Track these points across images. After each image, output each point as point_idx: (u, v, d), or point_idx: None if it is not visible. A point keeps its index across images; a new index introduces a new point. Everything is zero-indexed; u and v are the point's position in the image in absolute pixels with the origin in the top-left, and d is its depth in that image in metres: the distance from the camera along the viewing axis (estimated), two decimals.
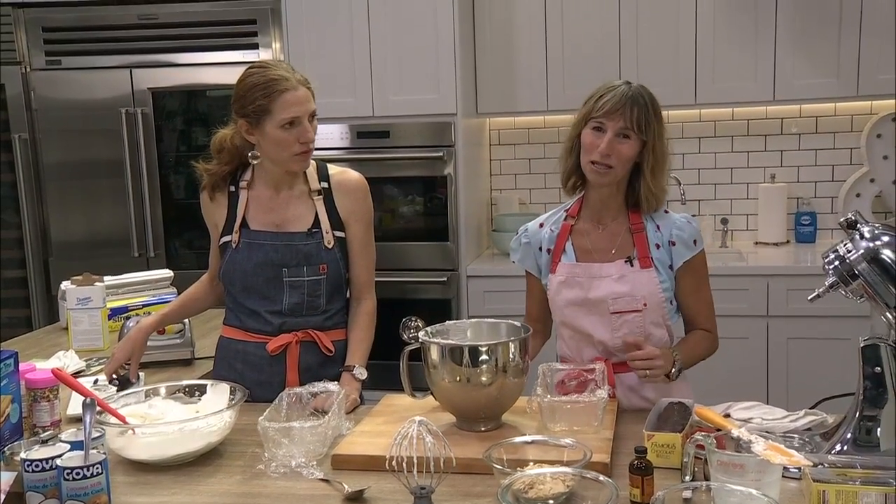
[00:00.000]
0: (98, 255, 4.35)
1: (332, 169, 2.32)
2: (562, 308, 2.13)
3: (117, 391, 2.09)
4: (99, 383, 2.25)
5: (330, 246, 2.24)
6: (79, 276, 2.84)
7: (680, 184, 4.23)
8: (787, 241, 4.24)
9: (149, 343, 2.50)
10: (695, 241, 2.10)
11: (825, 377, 3.53)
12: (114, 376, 2.22)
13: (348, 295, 2.34)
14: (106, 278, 2.97)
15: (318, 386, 1.96)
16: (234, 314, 2.30)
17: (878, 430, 1.63)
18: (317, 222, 2.24)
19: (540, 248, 2.20)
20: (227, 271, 2.26)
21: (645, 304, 2.05)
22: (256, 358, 2.25)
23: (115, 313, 2.91)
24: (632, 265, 2.08)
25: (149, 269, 3.73)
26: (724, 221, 4.31)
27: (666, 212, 2.14)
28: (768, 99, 3.97)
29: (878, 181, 4.09)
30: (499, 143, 4.56)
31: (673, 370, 2.00)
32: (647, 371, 1.96)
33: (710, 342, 2.15)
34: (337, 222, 2.26)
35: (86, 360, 2.59)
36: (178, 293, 3.06)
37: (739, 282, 3.77)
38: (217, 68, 4.27)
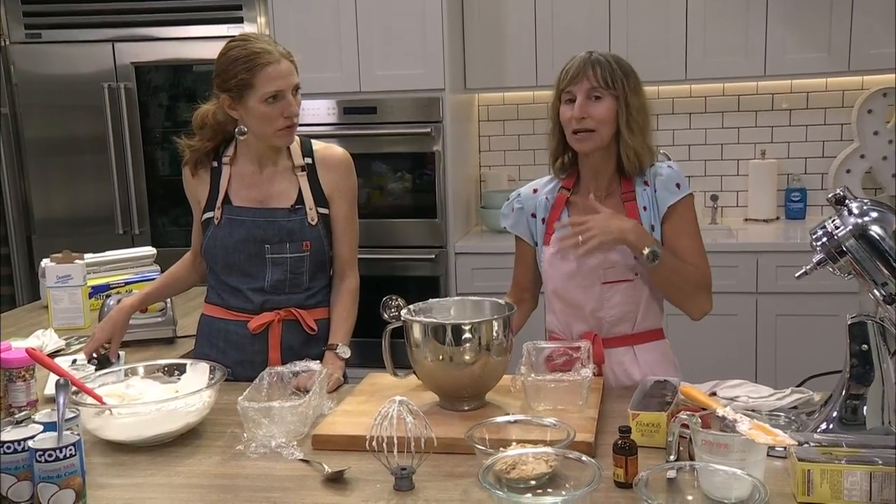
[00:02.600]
0: (82, 232, 4.30)
1: (317, 144, 2.29)
2: (555, 280, 2.11)
3: (96, 370, 2.06)
4: (78, 363, 2.22)
5: (314, 223, 2.20)
6: (59, 253, 2.79)
7: (670, 159, 4.18)
8: (777, 218, 4.22)
9: (130, 321, 2.48)
10: (678, 185, 2.05)
11: (814, 354, 3.51)
12: (93, 356, 2.19)
13: (332, 273, 2.31)
14: (87, 256, 2.92)
15: (300, 365, 1.93)
16: (215, 292, 2.27)
17: (865, 408, 1.60)
18: (300, 198, 2.21)
19: (533, 215, 2.17)
20: (209, 247, 2.23)
21: (636, 274, 2.03)
22: (238, 336, 2.22)
23: (96, 291, 2.87)
24: None
25: (133, 246, 3.69)
26: (714, 198, 4.28)
27: (652, 164, 2.09)
28: (759, 74, 3.93)
29: (868, 157, 4.07)
30: (487, 119, 4.51)
31: (646, 250, 1.90)
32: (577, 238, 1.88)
33: (693, 280, 2.02)
34: (321, 198, 2.23)
35: (65, 339, 2.55)
36: (162, 270, 3.03)
37: (729, 258, 3.75)
38: (202, 42, 4.20)
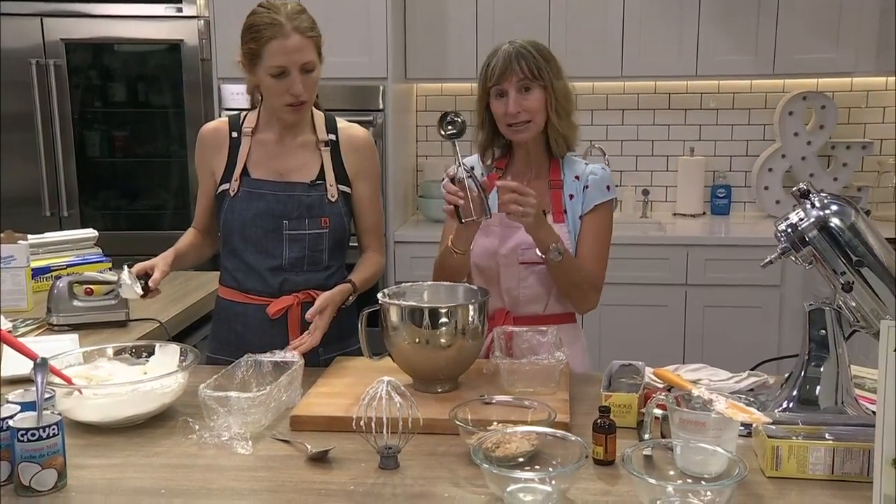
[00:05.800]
0: (6, 212, 4.12)
1: (341, 122, 2.27)
2: (476, 254, 2.17)
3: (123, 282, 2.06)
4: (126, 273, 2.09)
5: (333, 199, 2.18)
6: (0, 233, 2.70)
7: (605, 154, 4.31)
8: (703, 213, 4.40)
9: (80, 304, 2.44)
10: (608, 188, 2.18)
11: (738, 342, 3.70)
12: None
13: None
14: (29, 237, 2.83)
15: (279, 354, 1.91)
16: (230, 274, 2.22)
17: (818, 388, 1.71)
18: (321, 174, 2.19)
19: None
20: (226, 220, 2.18)
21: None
22: (257, 321, 2.17)
23: (37, 273, 2.78)
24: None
25: (61, 229, 3.58)
26: (646, 192, 4.43)
27: (586, 164, 2.21)
28: (691, 74, 4.08)
29: (788, 157, 4.27)
30: (426, 109, 4.55)
31: (552, 246, 2.01)
32: (517, 207, 1.93)
33: (589, 280, 2.14)
34: (342, 177, 2.21)
35: (11, 321, 2.47)
36: (103, 254, 2.97)
37: (660, 251, 3.89)
38: (136, 21, 4.10)
